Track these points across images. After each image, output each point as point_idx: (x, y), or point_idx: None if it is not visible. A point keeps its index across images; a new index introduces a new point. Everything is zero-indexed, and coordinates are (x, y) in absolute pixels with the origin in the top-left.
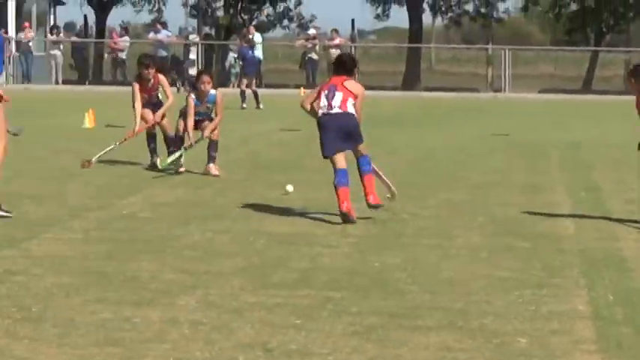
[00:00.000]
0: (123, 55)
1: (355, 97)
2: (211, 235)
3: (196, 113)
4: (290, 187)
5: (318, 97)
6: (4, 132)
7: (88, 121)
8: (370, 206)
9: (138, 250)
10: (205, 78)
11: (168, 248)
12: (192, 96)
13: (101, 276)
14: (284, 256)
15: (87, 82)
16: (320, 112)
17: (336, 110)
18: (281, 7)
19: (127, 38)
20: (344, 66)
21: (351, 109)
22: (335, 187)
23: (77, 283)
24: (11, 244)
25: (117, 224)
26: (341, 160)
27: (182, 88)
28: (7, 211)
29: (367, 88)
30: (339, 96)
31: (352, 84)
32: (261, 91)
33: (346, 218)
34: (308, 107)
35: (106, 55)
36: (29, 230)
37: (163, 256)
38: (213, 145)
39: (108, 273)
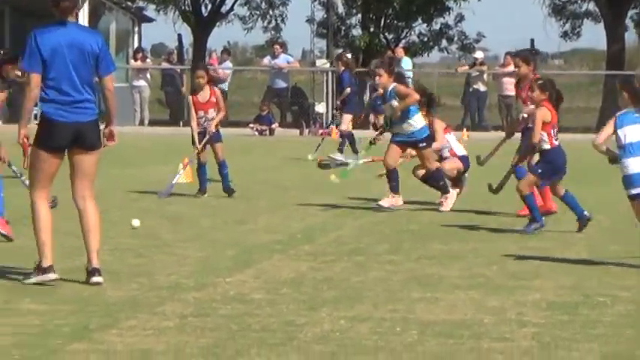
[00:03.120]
0: (224, 86)
1: None
2: (346, 323)
3: None
4: (136, 222)
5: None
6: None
7: (184, 174)
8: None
9: (250, 342)
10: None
11: (290, 340)
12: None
13: None
14: (443, 352)
15: (181, 123)
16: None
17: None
18: (438, 23)
19: (228, 64)
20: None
21: None
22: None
23: None
24: (82, 334)
25: (222, 308)
26: None
27: (307, 130)
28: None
29: None
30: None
31: None
32: None
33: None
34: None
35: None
36: (106, 317)
37: (284, 350)
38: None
39: None
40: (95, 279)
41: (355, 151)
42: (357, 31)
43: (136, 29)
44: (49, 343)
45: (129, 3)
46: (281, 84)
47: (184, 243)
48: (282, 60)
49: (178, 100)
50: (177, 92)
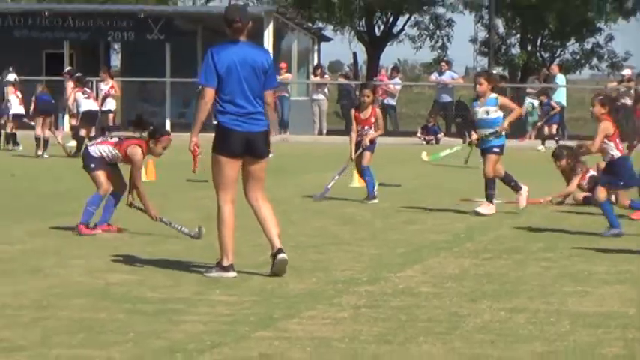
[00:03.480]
0: (392, 101)
1: None
2: (505, 314)
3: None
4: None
5: None
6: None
7: (358, 179)
8: None
9: (418, 331)
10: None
11: (454, 329)
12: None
13: None
14: (592, 341)
15: None
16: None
17: None
18: (589, 43)
19: (397, 80)
20: None
21: None
22: None
23: None
24: (267, 323)
25: (392, 300)
26: None
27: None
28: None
29: None
30: None
31: None
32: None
33: None
34: None
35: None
36: (289, 307)
37: (449, 338)
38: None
39: (381, 358)
40: (281, 256)
41: None
42: (515, 50)
43: (316, 48)
44: (237, 331)
45: (309, 24)
46: (446, 98)
47: (359, 241)
48: (447, 76)
49: None
50: (352, 105)
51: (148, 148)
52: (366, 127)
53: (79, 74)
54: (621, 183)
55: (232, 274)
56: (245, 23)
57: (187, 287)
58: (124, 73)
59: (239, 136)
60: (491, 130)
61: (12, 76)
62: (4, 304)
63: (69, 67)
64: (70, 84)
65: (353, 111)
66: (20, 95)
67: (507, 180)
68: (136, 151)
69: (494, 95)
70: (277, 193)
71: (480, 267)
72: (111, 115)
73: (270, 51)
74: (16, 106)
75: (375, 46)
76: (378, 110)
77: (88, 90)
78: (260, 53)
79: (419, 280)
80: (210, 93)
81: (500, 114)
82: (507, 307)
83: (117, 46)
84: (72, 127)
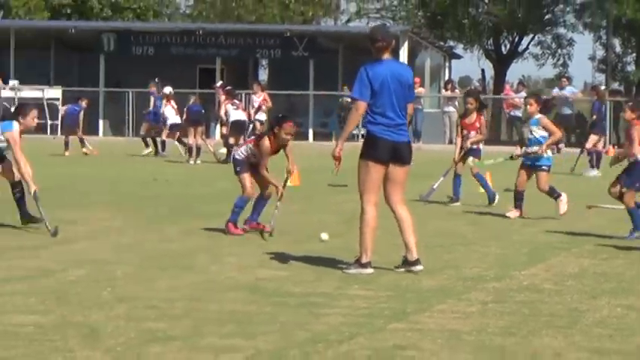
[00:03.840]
0: (518, 113)
1: None
2: (621, 310)
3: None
4: (325, 236)
5: None
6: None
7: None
8: None
9: (540, 325)
10: None
11: (574, 324)
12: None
13: (499, 352)
14: None
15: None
16: None
17: None
18: None
19: (523, 94)
20: None
21: None
22: None
23: (471, 359)
24: (401, 316)
25: (517, 296)
26: None
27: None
28: None
29: None
30: None
31: None
32: None
33: None
34: None
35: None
36: (421, 302)
37: (569, 332)
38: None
39: (507, 349)
40: (418, 267)
41: (592, 165)
42: (631, 67)
43: (447, 64)
44: (373, 323)
45: (441, 43)
46: (567, 111)
47: (486, 242)
48: (567, 91)
49: None
50: None
51: (275, 136)
52: (472, 132)
53: (229, 87)
54: (638, 185)
55: (370, 270)
56: (388, 42)
57: (328, 283)
58: (271, 86)
59: (388, 144)
60: (534, 149)
61: (167, 89)
62: (158, 297)
63: (220, 82)
64: (221, 97)
65: (459, 119)
66: (175, 106)
67: (519, 196)
68: (264, 141)
69: (537, 116)
70: (411, 196)
71: (598, 266)
72: (261, 126)
73: None
74: (172, 117)
75: (501, 63)
76: (482, 117)
77: (237, 102)
78: (406, 69)
79: (542, 278)
80: (363, 107)
81: (542, 133)
82: (624, 304)
83: (264, 62)
84: (222, 136)
